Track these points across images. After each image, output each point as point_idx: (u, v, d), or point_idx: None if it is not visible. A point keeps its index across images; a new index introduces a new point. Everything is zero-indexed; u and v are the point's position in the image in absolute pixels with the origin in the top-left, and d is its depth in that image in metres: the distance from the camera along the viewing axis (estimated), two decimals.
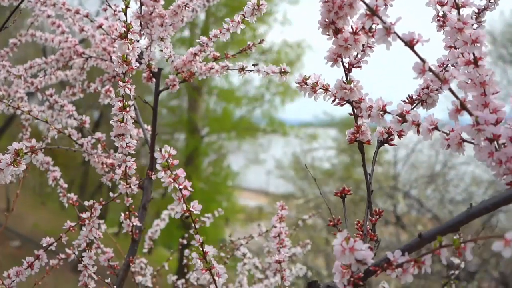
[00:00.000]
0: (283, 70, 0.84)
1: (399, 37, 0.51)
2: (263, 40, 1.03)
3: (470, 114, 0.52)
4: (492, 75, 0.55)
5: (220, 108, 11.87)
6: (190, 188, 0.64)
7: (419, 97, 0.69)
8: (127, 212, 0.97)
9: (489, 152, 0.52)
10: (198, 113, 11.20)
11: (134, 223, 0.98)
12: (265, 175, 13.44)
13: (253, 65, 0.96)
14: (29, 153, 0.69)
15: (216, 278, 0.66)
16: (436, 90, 0.69)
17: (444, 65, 0.70)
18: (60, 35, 1.22)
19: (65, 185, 1.11)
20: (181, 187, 0.63)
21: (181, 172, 0.64)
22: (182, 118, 11.24)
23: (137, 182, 0.92)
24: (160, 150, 0.62)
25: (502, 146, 0.53)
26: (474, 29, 0.73)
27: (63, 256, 1.12)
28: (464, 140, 0.56)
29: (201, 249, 0.66)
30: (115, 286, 0.94)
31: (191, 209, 0.65)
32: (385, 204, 6.33)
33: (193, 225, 0.66)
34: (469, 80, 0.57)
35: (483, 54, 0.55)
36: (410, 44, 0.52)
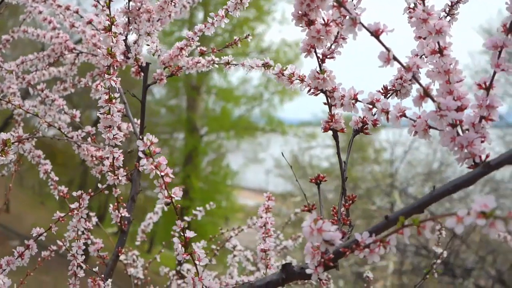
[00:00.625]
0: (266, 64, 0.87)
1: (365, 27, 0.54)
2: (249, 35, 1.05)
3: (433, 100, 0.55)
4: (456, 64, 0.57)
5: (219, 108, 11.90)
6: (171, 175, 0.67)
7: (393, 88, 0.72)
8: (115, 204, 0.99)
9: (451, 137, 0.54)
10: (197, 113, 11.22)
11: (123, 214, 1.00)
12: (264, 174, 13.44)
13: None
14: (16, 143, 0.72)
15: (197, 262, 0.68)
16: (410, 80, 0.71)
17: (418, 56, 0.72)
18: (52, 31, 1.24)
19: (56, 178, 1.13)
20: (162, 174, 0.66)
21: (162, 160, 0.66)
22: (181, 117, 11.26)
23: (125, 173, 0.95)
24: (142, 139, 0.65)
25: (467, 131, 0.56)
26: (448, 20, 0.75)
27: (54, 247, 1.15)
28: (430, 127, 0.58)
29: (182, 234, 0.68)
30: (103, 275, 0.97)
31: (172, 195, 0.67)
32: (382, 202, 6.36)
33: (175, 211, 0.68)
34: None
35: (448, 43, 0.58)
36: (375, 34, 0.54)
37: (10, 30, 1.39)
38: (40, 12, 1.25)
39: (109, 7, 0.75)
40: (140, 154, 0.65)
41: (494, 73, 0.56)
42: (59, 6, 1.14)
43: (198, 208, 1.44)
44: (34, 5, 1.25)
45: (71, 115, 1.12)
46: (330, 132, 0.70)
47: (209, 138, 11.88)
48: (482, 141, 0.55)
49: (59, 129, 1.03)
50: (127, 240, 1.07)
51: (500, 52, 0.55)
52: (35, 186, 12.35)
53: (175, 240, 0.69)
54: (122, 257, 1.33)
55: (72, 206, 0.92)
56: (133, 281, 1.31)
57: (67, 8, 1.14)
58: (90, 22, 1.06)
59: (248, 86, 12.09)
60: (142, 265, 1.36)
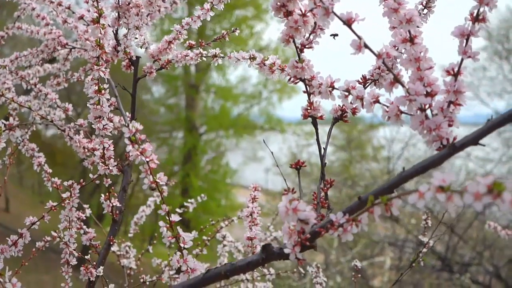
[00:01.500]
0: (252, 56, 0.89)
1: (337, 16, 0.56)
2: (236, 28, 1.08)
3: (403, 86, 0.57)
4: (426, 52, 0.60)
5: (218, 106, 11.92)
6: (156, 161, 0.69)
7: (371, 77, 0.74)
8: (107, 193, 1.02)
9: (420, 120, 0.57)
10: (196, 111, 11.25)
11: (114, 204, 1.03)
12: (263, 173, 13.46)
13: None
14: (7, 131, 0.74)
15: (181, 245, 0.71)
16: (387, 70, 0.73)
17: (396, 47, 0.75)
18: (45, 27, 1.27)
19: (50, 170, 1.15)
20: (148, 159, 0.68)
21: (148, 146, 0.69)
22: (180, 116, 11.28)
23: (115, 163, 0.97)
24: (128, 126, 0.67)
25: (436, 116, 0.59)
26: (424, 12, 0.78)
27: (48, 238, 1.17)
28: (401, 112, 0.61)
29: (167, 218, 0.71)
30: (95, 263, 0.99)
31: (157, 180, 0.70)
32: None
33: (160, 195, 0.71)
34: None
35: (418, 32, 0.60)
36: (348, 23, 0.57)
37: (4, 27, 1.42)
38: (34, 9, 1.27)
39: (97, 0, 0.78)
40: (126, 141, 0.67)
41: (462, 59, 0.58)
42: (51, 2, 1.17)
43: (190, 200, 1.46)
44: (28, 2, 1.27)
45: (63, 109, 1.14)
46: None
47: (208, 136, 11.91)
48: (450, 125, 0.57)
49: (51, 121, 1.05)
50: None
51: (467, 39, 0.58)
52: (34, 186, 12.38)
53: (161, 223, 0.71)
54: (115, 248, 1.36)
55: (64, 195, 0.95)
56: (126, 272, 1.34)
57: (59, 4, 1.16)
58: (81, 17, 1.08)
59: (247, 85, 12.12)
60: (135, 255, 1.39)
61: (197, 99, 11.48)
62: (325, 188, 0.68)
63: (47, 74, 1.41)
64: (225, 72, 11.79)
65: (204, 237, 1.36)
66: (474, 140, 0.53)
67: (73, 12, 1.16)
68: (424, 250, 1.13)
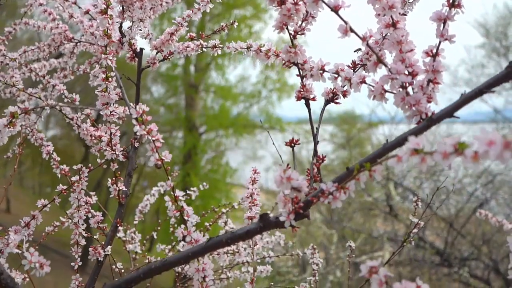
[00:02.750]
0: (248, 46, 0.95)
1: (325, 3, 0.62)
2: (234, 21, 1.14)
3: (385, 65, 0.63)
4: (407, 35, 0.65)
5: (218, 106, 11.97)
6: (161, 140, 0.75)
7: (361, 62, 0.80)
8: (113, 178, 1.08)
9: (402, 97, 0.63)
10: (195, 111, 11.30)
11: (121, 188, 1.09)
12: (263, 172, 13.48)
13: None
14: (23, 114, 0.80)
15: (186, 218, 0.77)
16: (372, 52, 0.79)
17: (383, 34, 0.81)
18: (52, 22, 1.33)
19: (58, 158, 1.21)
20: (154, 138, 0.74)
21: (153, 126, 0.75)
22: (180, 116, 11.33)
23: (122, 149, 1.03)
24: (135, 107, 0.73)
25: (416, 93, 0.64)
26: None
27: (57, 223, 1.23)
28: (385, 91, 0.66)
29: (172, 193, 0.77)
30: (103, 243, 1.05)
31: (163, 157, 0.75)
32: (378, 193, 6.45)
33: (165, 172, 0.77)
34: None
35: (400, 18, 0.66)
36: (335, 9, 0.63)
37: (12, 23, 1.47)
38: (41, 4, 1.33)
39: None
40: (133, 122, 0.73)
41: (439, 42, 0.64)
42: None
43: (192, 189, 1.52)
44: None
45: (71, 99, 1.20)
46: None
47: (208, 136, 11.96)
48: (429, 101, 0.63)
49: (60, 110, 1.11)
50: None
51: (444, 23, 0.63)
52: (35, 187, 12.43)
53: (166, 198, 0.77)
54: (121, 234, 1.42)
55: (73, 178, 1.01)
56: (131, 256, 1.40)
57: None
58: (87, 12, 1.14)
59: (246, 84, 12.17)
60: (140, 240, 1.45)
61: (196, 98, 11.53)
62: (318, 163, 0.74)
63: (52, 68, 1.47)
64: (225, 72, 11.85)
65: (206, 223, 1.41)
66: (449, 113, 0.59)
67: (79, 7, 1.22)
68: (415, 230, 1.18)
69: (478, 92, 0.57)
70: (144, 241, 1.50)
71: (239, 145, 12.19)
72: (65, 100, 1.21)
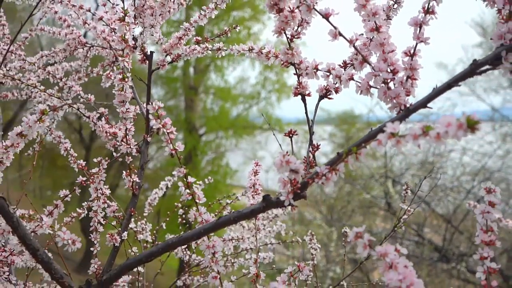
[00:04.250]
0: (250, 48, 1.05)
1: (317, 11, 0.72)
2: (237, 25, 1.24)
3: (370, 64, 0.73)
4: (389, 38, 0.76)
5: (217, 107, 12.07)
6: (175, 132, 0.85)
7: (351, 61, 0.90)
8: (128, 171, 1.18)
9: (384, 91, 0.73)
10: (195, 113, 11.40)
11: (134, 179, 1.19)
12: (263, 172, 13.52)
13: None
14: (51, 111, 0.90)
15: (197, 201, 0.87)
16: (358, 53, 0.89)
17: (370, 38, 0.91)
18: (66, 28, 1.43)
19: (75, 154, 1.31)
20: (168, 131, 0.85)
21: (168, 120, 0.85)
22: (180, 117, 11.43)
23: (136, 143, 1.13)
24: (152, 104, 0.83)
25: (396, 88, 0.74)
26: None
27: (74, 214, 1.33)
28: (370, 86, 0.77)
29: (185, 179, 0.87)
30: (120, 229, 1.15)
31: (176, 147, 0.86)
32: (376, 191, 6.56)
33: (178, 160, 0.87)
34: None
35: (383, 22, 0.76)
36: (326, 16, 0.73)
37: (28, 29, 1.58)
38: (56, 12, 1.44)
39: (123, 1, 0.93)
40: (150, 116, 0.83)
41: (416, 43, 0.74)
42: (73, 5, 1.33)
43: (198, 182, 1.62)
44: (50, 6, 1.43)
45: (86, 99, 1.30)
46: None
47: (208, 137, 12.05)
48: (408, 95, 0.73)
49: (78, 109, 1.21)
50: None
51: (420, 27, 0.74)
52: (35, 190, 12.51)
53: (180, 183, 0.87)
54: (132, 225, 1.52)
55: (93, 170, 1.11)
56: (143, 245, 1.50)
57: (81, 7, 1.32)
58: (101, 18, 1.25)
59: (245, 85, 12.28)
60: (150, 229, 1.55)
61: (196, 100, 11.63)
62: (313, 151, 0.84)
63: (65, 71, 1.57)
64: (224, 73, 11.96)
65: (212, 214, 1.51)
66: (424, 104, 0.69)
67: (93, 14, 1.32)
68: (405, 216, 1.28)
69: (447, 86, 0.67)
70: (154, 231, 1.60)
71: (239, 146, 12.28)
72: (81, 100, 1.31)
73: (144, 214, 1.60)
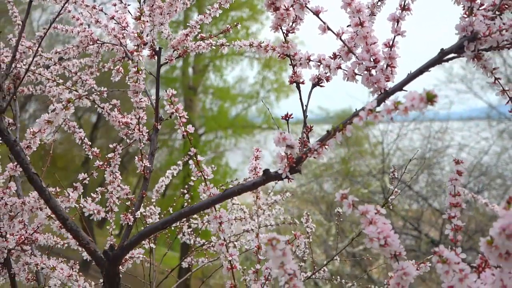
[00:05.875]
0: (251, 43, 1.17)
1: (309, 9, 0.84)
2: (238, 23, 1.36)
3: (354, 54, 0.85)
4: (371, 32, 0.87)
5: (216, 107, 12.19)
6: (186, 116, 0.97)
7: (339, 53, 1.02)
8: (139, 156, 1.30)
9: (366, 78, 0.85)
10: (194, 113, 11.52)
11: (145, 164, 1.30)
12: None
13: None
14: (77, 99, 1.01)
15: (205, 177, 0.99)
16: (344, 45, 1.01)
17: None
18: (79, 26, 1.54)
19: (89, 143, 1.43)
20: (181, 115, 0.96)
21: (180, 106, 0.97)
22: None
23: (148, 131, 1.25)
24: (166, 91, 0.95)
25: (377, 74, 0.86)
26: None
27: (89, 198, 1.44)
28: (355, 73, 0.88)
29: (195, 158, 0.99)
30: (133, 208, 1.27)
31: (187, 130, 0.97)
32: (374, 186, 6.69)
33: (189, 142, 0.98)
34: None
35: (366, 18, 0.88)
36: (316, 13, 0.85)
37: (41, 27, 1.69)
38: (69, 11, 1.55)
39: (139, 1, 1.05)
40: (165, 102, 0.95)
41: (394, 36, 0.86)
42: (86, 5, 1.45)
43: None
44: (65, 6, 1.54)
45: (99, 92, 1.42)
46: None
47: (207, 137, 12.16)
48: (387, 80, 0.85)
49: (93, 100, 1.33)
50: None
51: (397, 22, 0.86)
52: None
53: (191, 161, 0.99)
54: (141, 209, 1.64)
55: (109, 155, 1.22)
56: None
57: (94, 7, 1.44)
58: (112, 17, 1.36)
59: (244, 85, 12.40)
60: (159, 212, 1.67)
61: (195, 100, 11.74)
62: (306, 131, 0.96)
63: (77, 66, 1.69)
64: (223, 73, 12.08)
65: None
66: (399, 87, 0.81)
67: (105, 14, 1.44)
68: (392, 196, 1.40)
69: (419, 72, 0.79)
70: (162, 215, 1.71)
71: (238, 145, 12.40)
72: (94, 93, 1.42)
73: (152, 200, 1.72)
